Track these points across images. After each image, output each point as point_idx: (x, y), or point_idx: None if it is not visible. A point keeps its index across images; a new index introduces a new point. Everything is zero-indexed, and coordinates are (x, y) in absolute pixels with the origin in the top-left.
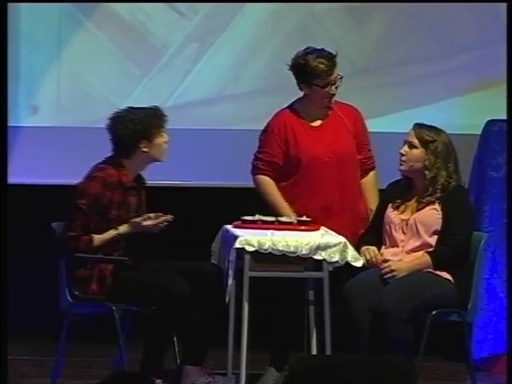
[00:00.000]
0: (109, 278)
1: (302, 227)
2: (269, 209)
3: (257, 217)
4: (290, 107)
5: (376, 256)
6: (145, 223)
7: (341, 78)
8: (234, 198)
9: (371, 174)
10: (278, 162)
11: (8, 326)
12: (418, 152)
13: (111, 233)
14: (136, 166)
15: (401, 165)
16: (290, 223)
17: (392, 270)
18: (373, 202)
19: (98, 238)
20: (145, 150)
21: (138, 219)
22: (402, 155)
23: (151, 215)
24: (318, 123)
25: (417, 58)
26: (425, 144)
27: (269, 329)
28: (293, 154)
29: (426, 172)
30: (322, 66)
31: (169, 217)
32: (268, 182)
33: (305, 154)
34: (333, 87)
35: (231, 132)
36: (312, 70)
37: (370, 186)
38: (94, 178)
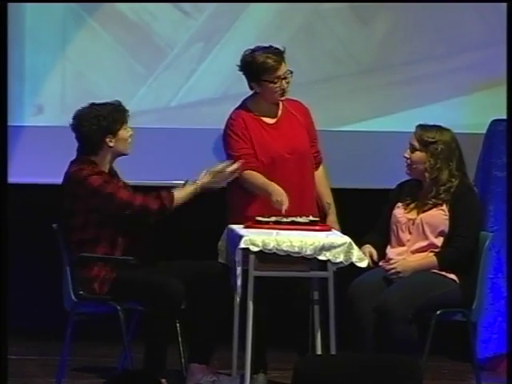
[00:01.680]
0: (109, 278)
1: (317, 227)
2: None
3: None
4: (243, 107)
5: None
6: (225, 172)
7: (291, 73)
8: None
9: (321, 167)
10: (254, 154)
11: (11, 325)
12: (419, 155)
13: (189, 188)
14: (105, 162)
15: (406, 167)
16: (306, 223)
17: (397, 270)
18: (327, 195)
19: (177, 195)
20: (111, 144)
21: (217, 167)
22: (407, 158)
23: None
24: (272, 121)
25: (422, 57)
26: (425, 146)
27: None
28: (256, 154)
29: (427, 174)
30: (269, 60)
31: (237, 164)
32: (255, 174)
33: (266, 153)
34: (283, 82)
35: None
36: (260, 66)
37: (323, 179)
38: (89, 176)
